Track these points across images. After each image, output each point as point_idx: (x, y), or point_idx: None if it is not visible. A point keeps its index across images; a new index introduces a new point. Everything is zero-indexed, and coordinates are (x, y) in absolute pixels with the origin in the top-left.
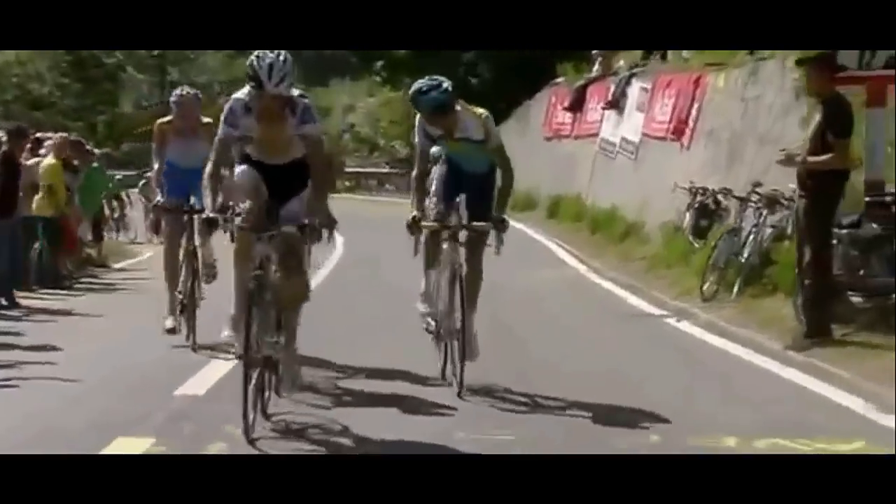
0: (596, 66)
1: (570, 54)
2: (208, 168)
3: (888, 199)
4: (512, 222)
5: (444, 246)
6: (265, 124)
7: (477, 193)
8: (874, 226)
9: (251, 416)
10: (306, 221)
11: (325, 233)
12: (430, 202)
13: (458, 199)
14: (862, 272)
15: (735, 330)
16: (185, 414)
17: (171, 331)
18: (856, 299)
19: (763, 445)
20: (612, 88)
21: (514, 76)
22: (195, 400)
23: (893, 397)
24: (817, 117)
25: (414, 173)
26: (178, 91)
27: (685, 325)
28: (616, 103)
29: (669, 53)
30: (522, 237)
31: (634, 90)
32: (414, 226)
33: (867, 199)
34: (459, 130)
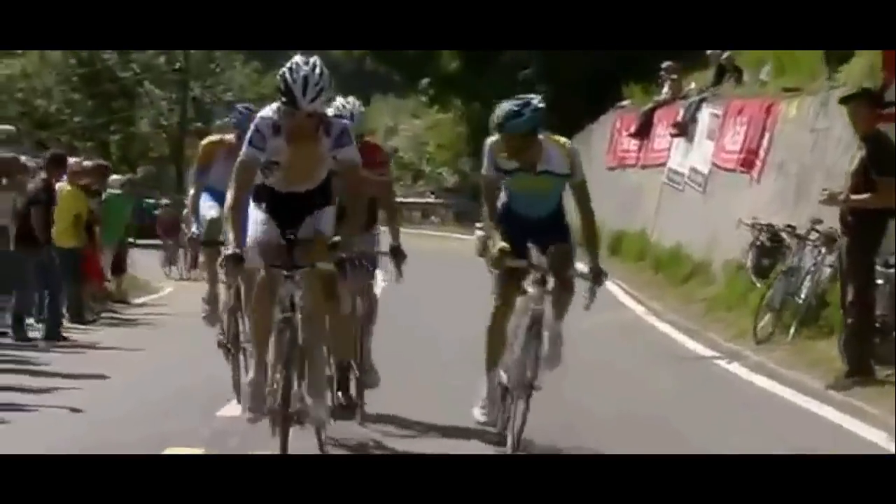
0: (665, 89)
1: (637, 74)
2: (229, 198)
3: None
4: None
5: (529, 290)
6: (294, 146)
7: (548, 237)
8: None
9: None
10: (344, 255)
11: (391, 269)
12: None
13: (529, 245)
14: None
15: (782, 371)
16: (229, 431)
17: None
18: None
19: None
20: (682, 113)
21: (577, 97)
22: (237, 419)
23: None
24: (860, 155)
25: (484, 211)
26: (240, 107)
27: (735, 367)
28: (685, 130)
29: (745, 75)
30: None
31: (705, 116)
32: (500, 260)
33: None
34: (543, 162)
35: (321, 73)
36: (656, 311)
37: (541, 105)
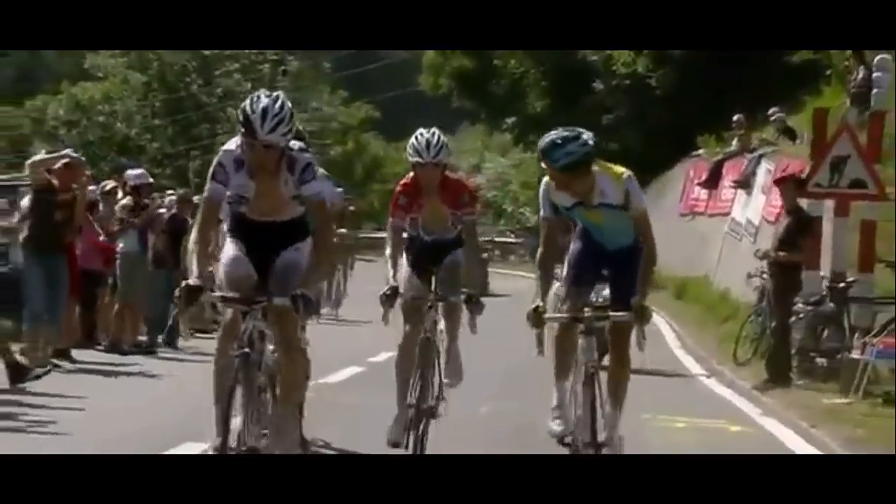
0: (734, 142)
1: (712, 125)
2: (194, 232)
3: (842, 285)
4: None
5: (580, 342)
6: (258, 180)
7: (621, 274)
8: (832, 305)
9: None
10: (299, 292)
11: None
12: (560, 288)
13: (597, 284)
14: (822, 338)
15: (735, 381)
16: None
17: None
18: (818, 360)
19: (682, 424)
20: (745, 166)
21: (658, 144)
22: None
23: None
24: (785, 222)
25: (539, 254)
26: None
27: (712, 381)
28: (746, 183)
29: (805, 134)
30: None
31: (762, 171)
32: (536, 318)
33: (829, 284)
34: (597, 195)
35: (282, 107)
36: (688, 347)
37: (590, 142)
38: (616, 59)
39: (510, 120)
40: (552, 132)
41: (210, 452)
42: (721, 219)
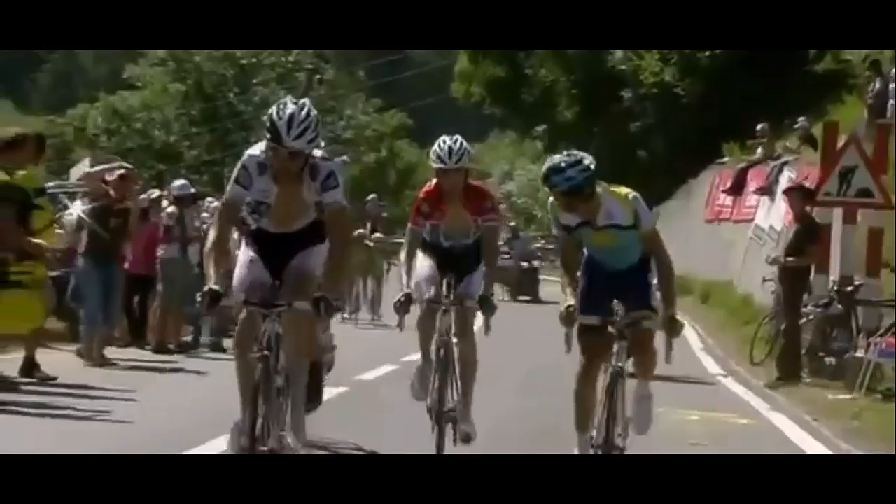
0: (759, 150)
1: (737, 133)
2: (212, 235)
3: (850, 289)
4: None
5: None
6: (281, 186)
7: (632, 287)
8: (840, 307)
9: None
10: (320, 295)
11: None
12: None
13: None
14: (831, 338)
15: (749, 380)
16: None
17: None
18: (827, 359)
19: (695, 417)
20: (768, 173)
21: (685, 152)
22: None
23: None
24: (794, 229)
25: (560, 258)
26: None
27: (731, 383)
28: (769, 189)
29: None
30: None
31: (784, 178)
32: (568, 317)
33: (837, 288)
34: (603, 217)
35: (308, 114)
36: (709, 348)
37: (591, 167)
38: (644, 68)
39: (540, 128)
40: (555, 156)
41: (229, 452)
42: (745, 225)
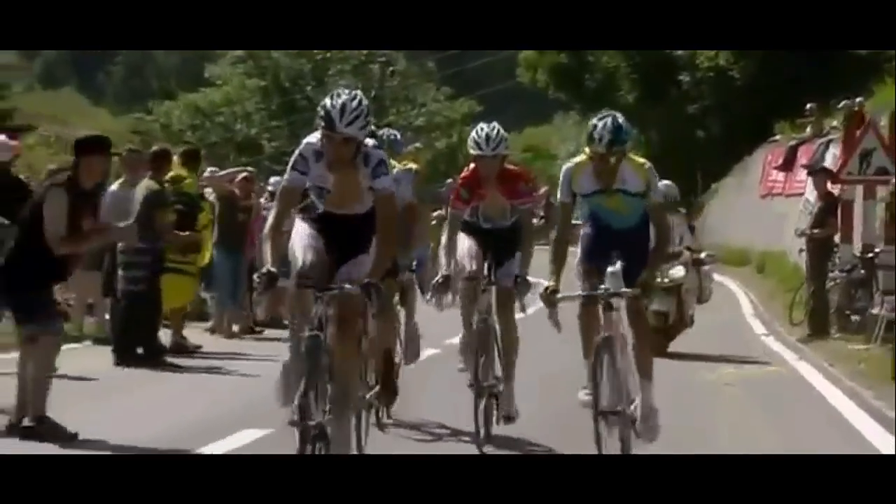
0: (808, 128)
1: (788, 112)
2: (270, 219)
3: (871, 255)
4: (721, 276)
5: (602, 319)
6: (337, 173)
7: (629, 251)
8: (863, 272)
9: None
10: (371, 281)
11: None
12: (576, 270)
13: (611, 265)
14: (856, 299)
15: (786, 337)
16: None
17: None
18: (853, 317)
19: (729, 371)
20: (815, 150)
21: (740, 131)
22: None
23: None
24: (818, 206)
25: (554, 237)
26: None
27: (772, 341)
28: (816, 165)
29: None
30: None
31: (830, 154)
32: (549, 298)
33: (860, 255)
34: (619, 181)
35: (359, 103)
36: (757, 311)
37: (626, 126)
38: (700, 53)
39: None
40: (594, 118)
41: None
42: (796, 199)
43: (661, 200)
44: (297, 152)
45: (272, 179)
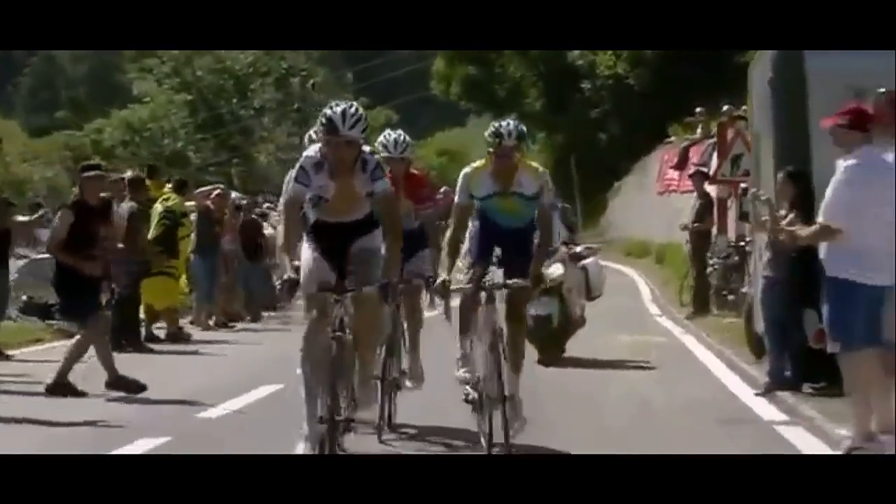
0: (698, 130)
1: (681, 116)
2: (281, 230)
3: (743, 244)
4: (623, 267)
5: (481, 308)
6: (337, 181)
7: (514, 248)
8: (736, 258)
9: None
10: (385, 281)
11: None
12: (463, 262)
13: (494, 257)
14: (731, 281)
15: (675, 316)
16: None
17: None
18: (729, 296)
19: (623, 340)
20: (703, 150)
21: (638, 133)
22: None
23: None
24: (697, 204)
25: (449, 234)
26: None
27: (664, 320)
28: (704, 165)
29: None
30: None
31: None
32: (444, 288)
33: (734, 244)
34: (515, 184)
35: (357, 109)
36: (654, 296)
37: (523, 129)
38: (599, 62)
39: (512, 116)
40: (494, 123)
41: (306, 431)
42: (689, 195)
43: (549, 204)
44: (297, 166)
45: (234, 195)
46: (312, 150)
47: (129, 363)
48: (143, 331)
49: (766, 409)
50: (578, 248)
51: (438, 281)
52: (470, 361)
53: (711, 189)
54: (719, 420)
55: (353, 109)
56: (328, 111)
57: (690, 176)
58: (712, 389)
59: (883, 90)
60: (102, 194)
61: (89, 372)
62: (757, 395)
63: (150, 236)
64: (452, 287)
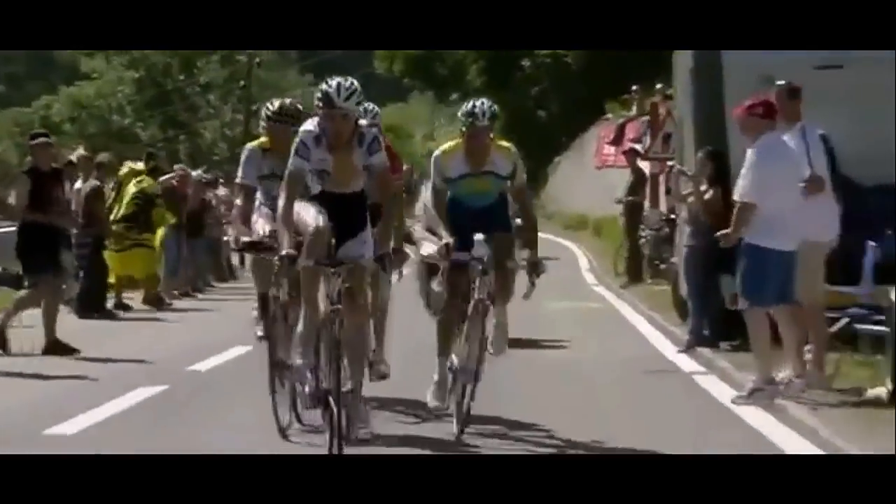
0: (634, 107)
1: (618, 94)
2: (282, 204)
3: (673, 217)
4: (563, 240)
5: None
6: (336, 154)
7: (489, 222)
8: (667, 230)
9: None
10: (383, 252)
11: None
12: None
13: (475, 238)
14: (663, 252)
15: (611, 284)
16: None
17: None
18: (661, 266)
19: (560, 306)
20: (639, 127)
21: (576, 111)
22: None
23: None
24: (631, 179)
25: (435, 208)
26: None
27: (600, 288)
28: (639, 141)
29: None
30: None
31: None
32: (448, 252)
33: (665, 217)
34: (489, 163)
35: (352, 83)
36: (592, 266)
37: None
38: None
39: (454, 95)
40: (466, 104)
41: (304, 399)
42: (625, 170)
43: (525, 182)
44: (297, 140)
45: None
46: (310, 125)
47: (118, 327)
48: (111, 300)
49: (686, 363)
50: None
51: (442, 243)
52: (443, 390)
53: (644, 165)
54: (645, 371)
55: (347, 83)
56: (324, 86)
57: (624, 153)
58: (641, 348)
59: (781, 82)
60: (53, 164)
61: (72, 337)
62: (679, 351)
63: (121, 214)
64: (455, 257)
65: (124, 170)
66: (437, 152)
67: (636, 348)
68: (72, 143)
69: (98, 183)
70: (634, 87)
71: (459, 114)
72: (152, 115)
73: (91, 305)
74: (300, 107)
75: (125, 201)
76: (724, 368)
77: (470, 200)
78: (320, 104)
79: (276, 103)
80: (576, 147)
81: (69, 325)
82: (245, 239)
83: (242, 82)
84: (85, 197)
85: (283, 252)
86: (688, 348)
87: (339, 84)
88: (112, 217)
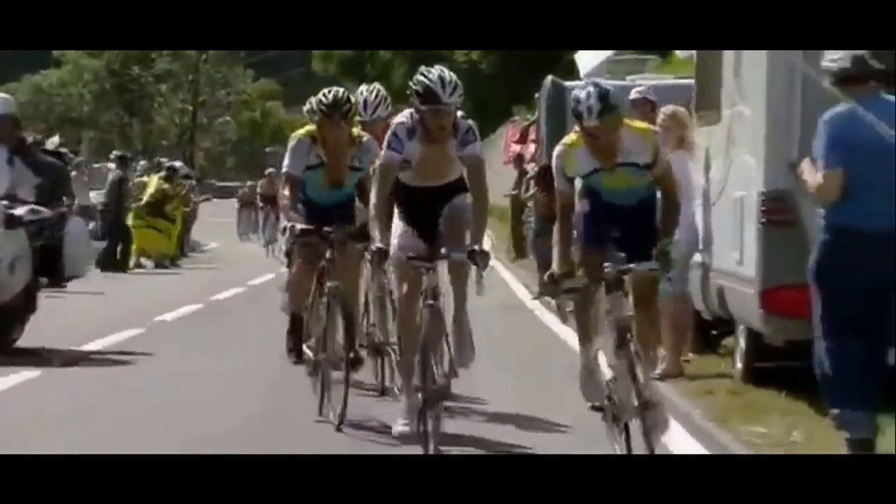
0: (537, 110)
1: (525, 98)
2: (374, 197)
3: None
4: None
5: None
6: (428, 147)
7: (634, 229)
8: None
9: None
10: (476, 248)
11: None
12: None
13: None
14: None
15: (504, 261)
16: None
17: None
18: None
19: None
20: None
21: (488, 111)
22: None
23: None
24: (516, 177)
25: (558, 227)
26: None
27: (495, 262)
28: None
29: None
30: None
31: None
32: (554, 286)
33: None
34: (622, 154)
35: (452, 77)
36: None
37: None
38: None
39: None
40: (575, 90)
41: (405, 406)
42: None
43: (669, 165)
44: (390, 132)
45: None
46: (403, 117)
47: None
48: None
49: (535, 305)
50: None
51: (547, 275)
52: (594, 377)
53: (529, 166)
54: (504, 306)
55: (448, 76)
56: (424, 80)
57: (514, 158)
58: (508, 296)
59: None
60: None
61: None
62: (533, 298)
63: (144, 202)
64: (567, 284)
65: (154, 178)
66: (558, 148)
67: (505, 297)
68: (30, 126)
69: (121, 173)
70: (537, 95)
71: (571, 113)
72: (110, 101)
73: (111, 263)
74: (352, 97)
75: (149, 192)
76: (561, 306)
77: (609, 196)
78: (421, 98)
79: (331, 95)
80: (486, 144)
81: (93, 276)
82: (300, 226)
83: (191, 77)
84: (110, 183)
85: (375, 247)
86: (538, 297)
87: (441, 79)
88: (136, 204)
